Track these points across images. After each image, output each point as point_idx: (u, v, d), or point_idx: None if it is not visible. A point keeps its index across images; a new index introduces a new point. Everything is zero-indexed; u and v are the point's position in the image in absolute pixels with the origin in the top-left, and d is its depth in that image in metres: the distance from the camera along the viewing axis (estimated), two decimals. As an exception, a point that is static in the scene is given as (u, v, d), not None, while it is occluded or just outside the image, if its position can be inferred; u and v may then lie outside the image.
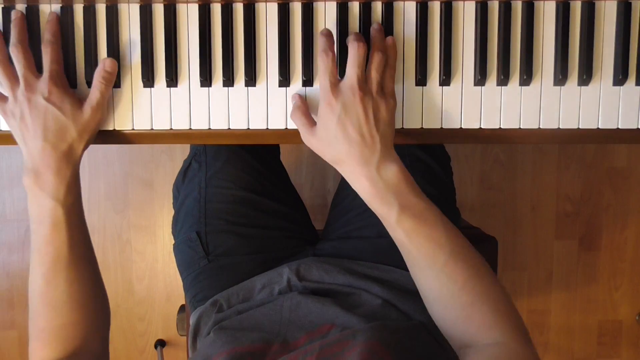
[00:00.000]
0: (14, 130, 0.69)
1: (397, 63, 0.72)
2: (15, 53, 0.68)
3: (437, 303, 0.66)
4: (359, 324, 0.71)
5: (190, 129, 0.73)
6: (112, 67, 0.70)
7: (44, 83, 0.67)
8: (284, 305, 0.77)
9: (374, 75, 0.66)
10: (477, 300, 0.63)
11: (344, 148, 0.65)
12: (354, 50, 0.66)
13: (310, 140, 0.68)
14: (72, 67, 0.72)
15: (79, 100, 0.69)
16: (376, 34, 0.69)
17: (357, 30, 0.72)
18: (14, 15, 0.70)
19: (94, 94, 0.69)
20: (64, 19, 0.72)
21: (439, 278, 0.64)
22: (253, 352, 0.67)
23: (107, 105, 0.71)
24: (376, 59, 0.66)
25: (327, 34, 0.68)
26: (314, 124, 0.68)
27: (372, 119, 0.64)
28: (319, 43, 0.68)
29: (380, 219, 0.66)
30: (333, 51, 0.67)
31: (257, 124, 0.73)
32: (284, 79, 0.72)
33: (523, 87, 0.73)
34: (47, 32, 0.70)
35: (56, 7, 0.72)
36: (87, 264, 0.72)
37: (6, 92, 0.69)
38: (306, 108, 0.69)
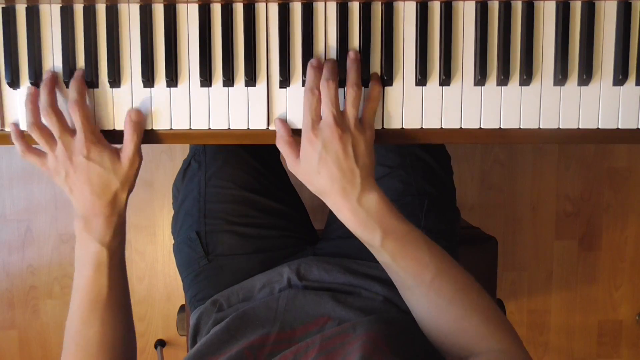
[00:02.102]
0: (61, 184, 0.71)
1: (397, 62, 0.72)
2: (47, 116, 0.69)
3: (428, 320, 0.67)
4: (355, 317, 0.71)
5: (190, 129, 0.73)
6: (138, 116, 0.72)
7: (80, 143, 0.69)
8: (280, 297, 0.78)
9: (350, 110, 0.68)
10: (468, 312, 0.65)
11: (327, 183, 0.67)
12: (325, 90, 0.67)
13: (296, 169, 0.70)
14: (72, 67, 0.72)
15: (117, 152, 0.71)
16: (352, 64, 0.70)
17: (357, 31, 0.72)
18: (45, 75, 0.71)
19: (127, 146, 0.71)
20: (64, 18, 0.72)
21: (428, 295, 0.66)
22: (251, 346, 0.67)
23: (140, 150, 0.73)
24: (351, 95, 0.68)
25: (317, 65, 0.69)
26: (298, 154, 0.69)
27: (352, 155, 0.67)
28: (307, 78, 0.69)
29: (366, 245, 0.68)
30: (319, 89, 0.68)
31: (257, 124, 0.73)
32: (284, 79, 0.72)
33: (523, 87, 0.73)
34: (73, 91, 0.70)
35: (56, 7, 0.72)
36: (122, 308, 0.75)
37: (45, 150, 0.71)
38: (289, 137, 0.70)
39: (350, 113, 0.68)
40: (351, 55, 0.70)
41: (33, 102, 0.71)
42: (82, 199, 0.70)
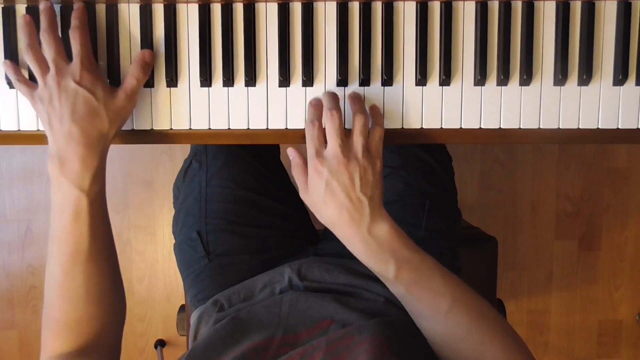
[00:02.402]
0: (40, 114, 0.67)
1: (397, 62, 0.72)
2: (46, 38, 0.67)
3: (445, 348, 0.66)
4: (358, 320, 0.71)
5: (190, 129, 0.73)
6: (151, 58, 0.71)
7: (75, 67, 0.66)
8: (283, 300, 0.78)
9: (358, 139, 0.67)
10: (485, 339, 0.63)
11: (335, 213, 0.66)
12: (329, 121, 0.66)
13: (306, 198, 0.69)
14: (72, 67, 0.72)
15: (111, 87, 0.68)
16: (353, 98, 0.70)
17: (357, 31, 0.72)
18: (42, 5, 0.69)
19: (130, 80, 0.69)
20: (64, 19, 0.72)
21: (445, 324, 0.64)
22: (255, 348, 0.67)
23: (138, 95, 0.70)
24: (359, 122, 0.67)
25: (316, 104, 0.70)
26: None
27: (359, 184, 0.65)
28: (308, 113, 0.70)
29: (379, 277, 0.67)
30: (320, 121, 0.68)
31: (257, 124, 0.73)
32: (284, 79, 0.72)
33: (523, 87, 0.73)
34: (74, 19, 0.69)
35: (56, 7, 0.72)
36: (107, 257, 0.70)
37: (36, 76, 0.67)
38: (304, 164, 0.69)
39: (358, 141, 0.67)
40: (352, 94, 0.71)
41: (30, 26, 0.69)
42: (60, 130, 0.65)
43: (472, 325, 0.64)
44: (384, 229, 0.66)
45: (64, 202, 0.66)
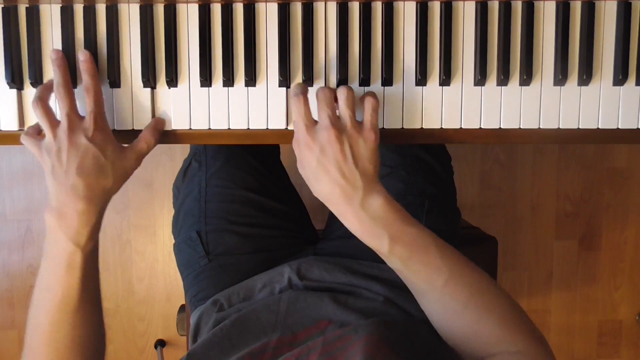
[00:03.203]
0: (45, 165, 0.67)
1: (397, 62, 0.72)
2: (61, 93, 0.67)
3: (443, 324, 0.66)
4: (356, 320, 0.71)
5: (190, 129, 0.73)
6: (163, 126, 0.72)
7: (88, 124, 0.66)
8: (282, 299, 0.78)
9: (345, 111, 0.66)
10: (484, 315, 0.63)
11: (327, 188, 0.65)
12: (321, 93, 0.66)
13: (301, 172, 0.68)
14: (72, 67, 0.72)
15: (121, 147, 0.69)
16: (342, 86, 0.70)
17: (357, 31, 0.72)
18: (54, 55, 0.70)
19: (141, 144, 0.70)
20: (64, 18, 0.72)
21: (442, 300, 0.64)
22: (251, 353, 0.67)
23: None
24: (342, 95, 0.66)
25: (300, 84, 0.70)
26: None
27: (350, 157, 0.64)
28: (292, 88, 0.69)
29: (376, 251, 0.66)
30: (305, 95, 0.67)
31: (257, 124, 0.73)
32: (284, 79, 0.72)
33: (523, 87, 0.73)
34: (85, 75, 0.69)
35: (56, 7, 0.72)
36: (93, 307, 0.70)
37: (45, 130, 0.67)
38: None
39: (345, 113, 0.66)
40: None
41: (47, 85, 0.69)
42: (63, 183, 0.65)
43: (471, 300, 0.63)
44: (377, 203, 0.64)
45: (58, 254, 0.66)
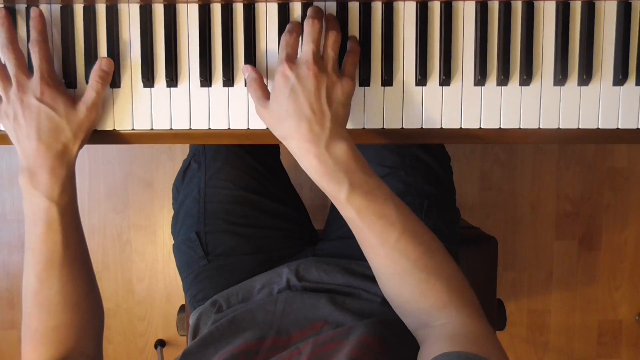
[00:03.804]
0: (8, 130, 0.69)
1: (397, 62, 0.72)
2: (6, 53, 0.67)
3: (390, 281, 0.65)
4: (352, 321, 0.71)
5: (190, 129, 0.73)
6: (109, 66, 0.71)
7: (35, 83, 0.67)
8: (278, 299, 0.78)
9: (330, 52, 0.66)
10: (431, 276, 0.62)
11: (294, 122, 0.64)
12: (309, 27, 0.66)
13: (263, 112, 0.67)
14: (72, 67, 0.72)
15: (73, 99, 0.69)
16: (330, 17, 0.70)
17: (357, 31, 0.72)
18: (0, 18, 0.69)
19: (89, 93, 0.69)
20: (64, 19, 0.72)
21: (392, 255, 0.63)
22: (247, 351, 0.67)
23: (102, 104, 0.71)
24: (330, 37, 0.67)
25: (296, 22, 0.70)
26: (268, 97, 0.67)
27: (324, 96, 0.64)
28: (287, 26, 0.69)
29: (330, 197, 0.65)
30: (298, 32, 0.68)
31: (257, 124, 0.73)
32: (284, 79, 0.72)
33: (523, 87, 0.73)
34: (33, 30, 0.69)
35: (56, 7, 0.72)
36: (82, 264, 0.71)
37: (0, 93, 0.68)
38: (261, 79, 0.69)
39: (329, 55, 0.66)
40: (328, 15, 0.70)
41: None
42: (27, 147, 0.66)
43: (420, 259, 0.63)
44: (342, 147, 0.63)
45: (35, 212, 0.67)
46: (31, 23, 0.69)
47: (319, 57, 0.65)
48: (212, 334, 0.72)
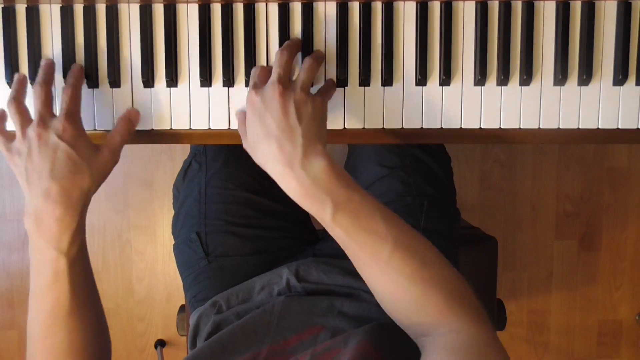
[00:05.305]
0: (17, 169, 0.64)
1: (397, 62, 0.72)
2: (37, 90, 0.65)
3: (387, 297, 0.63)
4: (349, 327, 0.71)
5: (190, 129, 0.73)
6: (137, 118, 0.70)
7: (59, 120, 0.63)
8: (275, 303, 0.78)
9: (302, 75, 0.65)
10: (428, 288, 0.60)
11: (265, 145, 0.62)
12: (277, 55, 0.66)
13: (245, 146, 0.67)
14: (70, 67, 0.72)
15: (95, 144, 0.65)
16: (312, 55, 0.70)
17: (357, 31, 0.72)
18: (43, 61, 0.70)
19: (115, 138, 0.67)
20: (64, 18, 0.72)
21: (386, 271, 0.60)
22: None
23: (120, 152, 0.69)
24: (306, 63, 0.66)
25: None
26: None
27: (293, 112, 0.61)
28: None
29: (315, 217, 0.62)
30: (266, 67, 0.67)
31: (257, 124, 0.73)
32: (284, 79, 0.72)
33: (523, 87, 0.73)
34: (69, 77, 0.68)
35: (56, 7, 0.72)
36: (89, 309, 0.68)
37: (15, 128, 0.65)
38: (244, 115, 0.67)
39: (300, 77, 0.64)
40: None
41: (21, 83, 0.68)
42: (37, 186, 0.61)
43: (415, 273, 0.60)
44: (319, 165, 0.60)
45: (41, 262, 0.63)
46: (70, 72, 0.69)
47: (285, 78, 0.64)
48: (210, 346, 0.71)
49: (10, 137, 0.66)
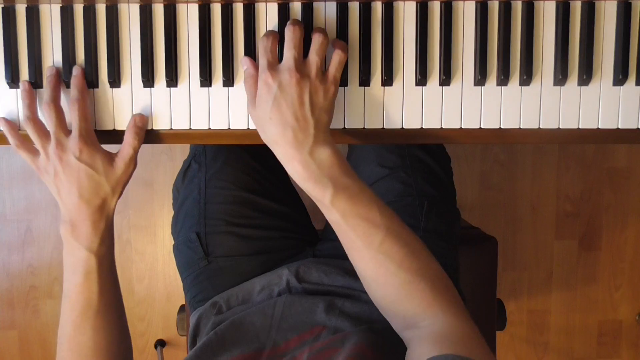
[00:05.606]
0: (49, 184, 0.70)
1: (397, 62, 0.72)
2: (47, 111, 0.68)
3: (375, 283, 0.65)
4: (350, 326, 0.71)
5: (190, 129, 0.73)
6: (143, 122, 0.72)
7: (74, 142, 0.68)
8: (277, 303, 0.78)
9: (314, 58, 0.66)
10: (415, 277, 0.63)
11: (278, 130, 0.64)
12: (290, 32, 0.66)
13: (252, 113, 0.68)
14: (72, 67, 0.72)
15: (110, 156, 0.70)
16: (316, 28, 0.70)
17: (357, 31, 0.72)
18: (48, 72, 0.71)
19: (126, 149, 0.70)
20: (64, 18, 0.72)
21: (377, 257, 0.64)
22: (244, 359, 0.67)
23: (136, 157, 0.72)
24: (316, 41, 0.66)
25: (270, 30, 0.70)
26: None
27: (308, 103, 0.64)
28: (266, 31, 0.69)
29: (315, 201, 0.66)
30: (275, 36, 0.67)
31: (257, 124, 0.73)
32: (284, 79, 0.72)
33: (523, 87, 0.73)
34: (73, 89, 0.70)
35: (56, 7, 0.72)
36: (115, 312, 0.73)
37: (37, 147, 0.70)
38: (257, 76, 0.68)
39: (313, 60, 0.66)
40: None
41: (30, 97, 0.70)
42: (69, 202, 0.69)
43: (405, 260, 0.63)
44: (326, 152, 0.64)
45: (75, 262, 0.70)
46: (72, 81, 0.70)
47: (300, 63, 0.65)
48: (210, 339, 0.72)
49: (34, 151, 0.71)
